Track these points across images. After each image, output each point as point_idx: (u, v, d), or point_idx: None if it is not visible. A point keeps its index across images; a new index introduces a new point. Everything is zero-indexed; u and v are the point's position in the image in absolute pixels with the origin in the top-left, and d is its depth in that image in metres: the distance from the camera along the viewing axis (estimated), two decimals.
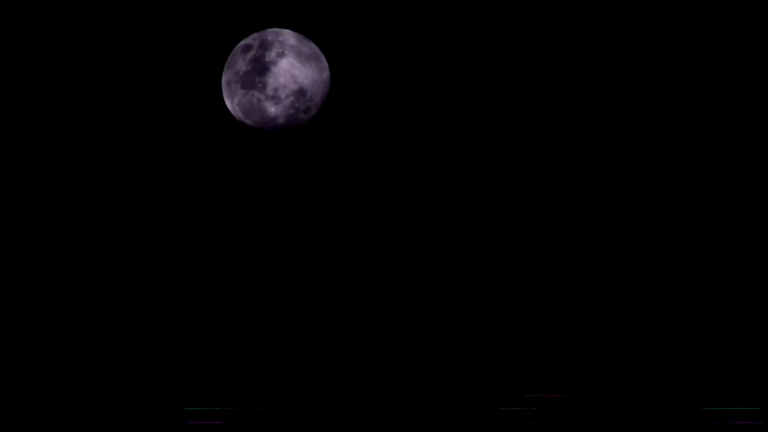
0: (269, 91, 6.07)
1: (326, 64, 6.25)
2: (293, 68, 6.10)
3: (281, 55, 6.10)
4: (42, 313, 6.34)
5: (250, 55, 6.11)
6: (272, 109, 6.10)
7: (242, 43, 6.18)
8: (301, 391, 6.34)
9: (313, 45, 6.23)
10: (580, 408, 6.30)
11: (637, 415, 6.28)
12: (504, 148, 6.43)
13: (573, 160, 6.44)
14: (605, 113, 6.44)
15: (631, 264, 6.39)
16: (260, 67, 6.07)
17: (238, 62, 6.13)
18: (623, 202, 6.41)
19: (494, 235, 6.41)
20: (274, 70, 6.08)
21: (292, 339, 6.36)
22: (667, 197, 6.41)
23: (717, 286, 6.36)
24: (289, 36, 6.18)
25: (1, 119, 6.40)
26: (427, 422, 6.28)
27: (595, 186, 6.43)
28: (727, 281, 6.36)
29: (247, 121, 6.18)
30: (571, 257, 6.41)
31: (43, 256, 6.37)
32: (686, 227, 6.40)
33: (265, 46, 6.12)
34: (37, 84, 6.40)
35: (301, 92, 6.12)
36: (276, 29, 6.21)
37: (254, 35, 6.18)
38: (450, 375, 6.33)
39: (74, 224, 6.38)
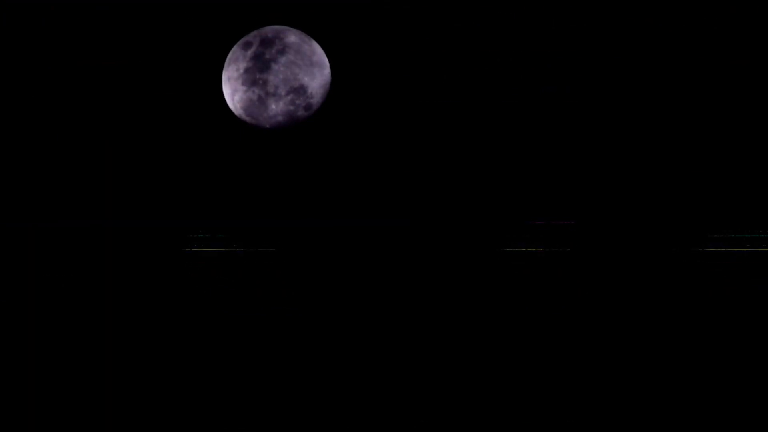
0: (270, 88, 6.07)
1: (327, 62, 6.26)
2: (294, 65, 6.10)
3: (282, 52, 6.11)
4: (38, 313, 6.32)
5: (250, 52, 6.12)
6: (273, 107, 6.10)
7: (242, 40, 6.19)
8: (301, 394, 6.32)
9: (313, 42, 6.24)
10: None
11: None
12: (503, 147, 6.44)
13: (573, 159, 6.44)
14: (605, 113, 6.45)
15: (630, 266, 6.37)
16: (261, 65, 6.08)
17: (239, 60, 6.13)
18: (623, 202, 6.40)
19: (494, 234, 6.40)
20: (275, 67, 6.09)
21: (293, 343, 6.34)
22: (668, 197, 6.41)
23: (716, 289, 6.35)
24: (289, 33, 6.19)
25: (1, 119, 6.40)
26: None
27: (596, 186, 6.43)
28: (726, 281, 6.35)
29: (248, 119, 6.18)
30: (570, 258, 6.40)
31: (42, 255, 6.35)
32: (686, 227, 6.39)
33: (265, 43, 6.13)
34: (37, 84, 6.40)
35: (301, 89, 6.13)
36: (276, 27, 6.23)
37: (254, 33, 6.19)
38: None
39: (74, 224, 6.37)
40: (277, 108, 6.10)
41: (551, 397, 6.30)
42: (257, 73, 6.07)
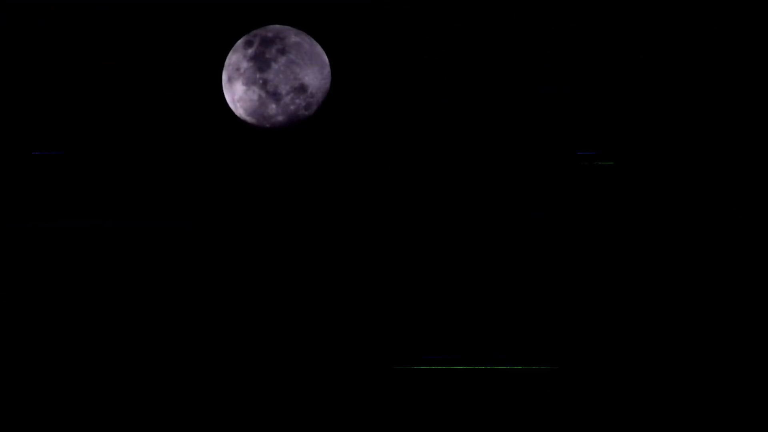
0: (270, 88, 6.07)
1: (327, 61, 6.26)
2: (294, 65, 6.10)
3: (282, 51, 6.11)
4: (38, 313, 6.32)
5: (250, 52, 6.12)
6: (273, 106, 6.10)
7: (242, 40, 6.19)
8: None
9: (314, 42, 6.24)
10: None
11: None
12: (503, 146, 6.44)
13: (573, 159, 6.44)
14: (605, 113, 6.45)
15: (627, 263, 6.37)
16: (261, 64, 6.08)
17: (239, 59, 6.13)
18: (623, 201, 6.41)
19: (493, 233, 6.40)
20: (275, 66, 6.08)
21: (291, 339, 6.33)
22: (667, 197, 6.41)
23: (715, 287, 6.35)
24: (289, 33, 6.19)
25: (1, 120, 6.39)
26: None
27: (595, 185, 6.43)
28: (727, 279, 6.36)
29: (248, 119, 6.17)
30: (569, 256, 6.40)
31: (42, 256, 6.35)
32: (685, 228, 6.39)
33: (265, 43, 6.13)
34: (37, 84, 6.40)
35: (302, 89, 6.13)
36: (277, 26, 6.23)
37: (255, 32, 6.20)
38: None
39: (75, 224, 6.36)
40: (277, 108, 6.10)
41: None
42: (257, 72, 6.07)
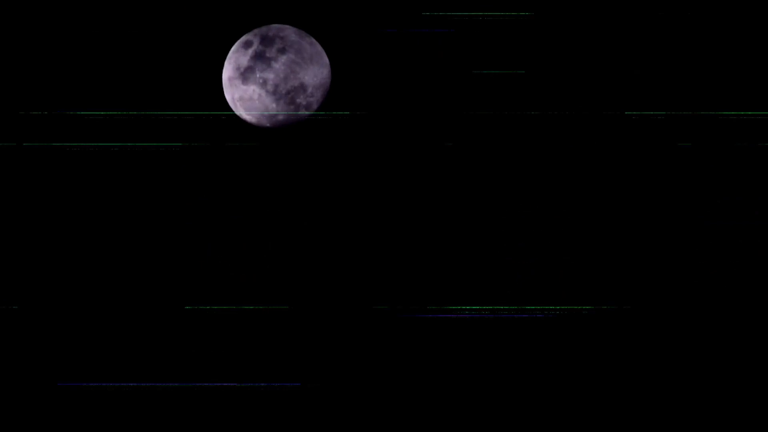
0: (270, 86, 6.08)
1: (327, 60, 6.27)
2: (294, 64, 6.11)
3: (282, 50, 6.12)
4: (40, 311, 6.32)
5: (250, 50, 6.13)
6: (273, 105, 6.11)
7: (243, 38, 6.20)
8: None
9: (314, 41, 6.25)
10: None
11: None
12: (503, 146, 6.45)
13: (573, 159, 6.45)
14: (605, 112, 6.47)
15: (628, 263, 6.39)
16: (261, 63, 6.09)
17: (239, 58, 6.15)
18: (622, 201, 6.42)
19: (494, 232, 6.41)
20: (275, 65, 6.10)
21: (292, 337, 6.34)
22: (667, 197, 6.42)
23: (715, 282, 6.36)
24: (290, 32, 6.21)
25: (0, 119, 6.41)
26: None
27: (595, 185, 6.44)
28: (727, 276, 6.37)
29: (248, 117, 6.18)
30: (570, 256, 6.41)
31: (42, 257, 6.35)
32: (685, 226, 6.40)
33: (265, 41, 6.14)
34: (36, 83, 6.41)
35: (302, 88, 6.14)
36: (277, 25, 6.24)
37: (255, 31, 6.21)
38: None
39: (76, 224, 6.37)
40: (277, 106, 6.11)
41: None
42: (258, 71, 6.08)
